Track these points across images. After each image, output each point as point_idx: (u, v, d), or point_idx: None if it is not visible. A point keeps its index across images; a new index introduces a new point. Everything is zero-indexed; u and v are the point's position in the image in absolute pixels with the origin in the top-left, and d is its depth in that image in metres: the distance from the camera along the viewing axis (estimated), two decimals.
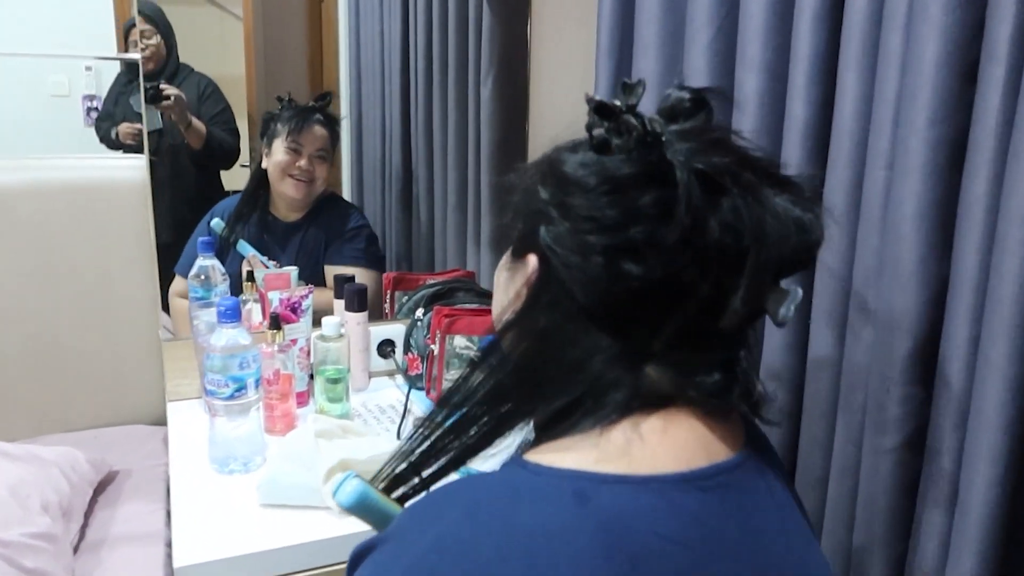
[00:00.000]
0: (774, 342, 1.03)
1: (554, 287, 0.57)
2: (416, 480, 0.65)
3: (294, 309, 1.41)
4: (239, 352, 1.17)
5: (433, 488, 0.59)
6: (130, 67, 1.62)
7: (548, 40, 1.70)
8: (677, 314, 0.53)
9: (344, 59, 1.85)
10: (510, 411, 0.60)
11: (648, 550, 0.49)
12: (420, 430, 0.65)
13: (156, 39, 1.59)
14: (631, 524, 0.49)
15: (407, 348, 1.57)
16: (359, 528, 1.06)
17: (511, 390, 0.60)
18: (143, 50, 1.58)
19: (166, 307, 1.63)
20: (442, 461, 0.64)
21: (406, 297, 1.66)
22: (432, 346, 1.47)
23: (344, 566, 0.78)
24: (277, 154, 1.62)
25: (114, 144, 1.75)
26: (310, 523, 1.08)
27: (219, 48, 1.68)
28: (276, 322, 1.31)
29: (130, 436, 1.67)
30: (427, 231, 1.99)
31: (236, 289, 1.59)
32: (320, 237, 1.71)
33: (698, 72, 1.08)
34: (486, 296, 1.64)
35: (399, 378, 1.60)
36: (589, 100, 0.57)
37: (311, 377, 1.43)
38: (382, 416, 1.43)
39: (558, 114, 1.67)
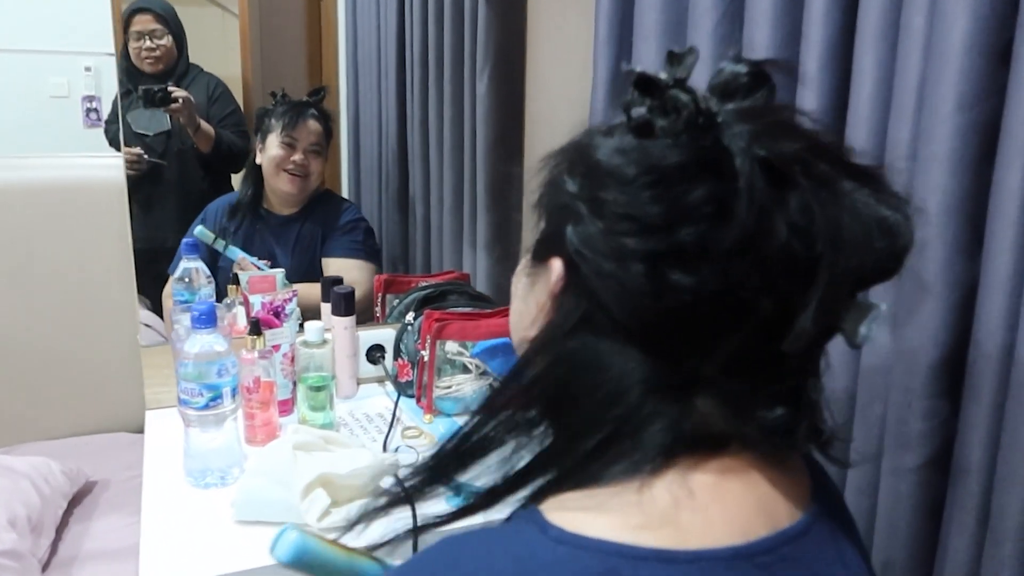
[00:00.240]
0: None
1: (583, 298, 0.47)
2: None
3: (277, 313, 1.35)
4: (215, 359, 1.10)
5: (424, 550, 0.48)
6: (130, 75, 1.55)
7: (546, 33, 1.64)
8: (734, 335, 0.44)
9: (343, 56, 1.81)
10: (534, 454, 0.50)
11: None
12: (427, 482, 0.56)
13: (167, 39, 1.55)
14: None
15: (397, 354, 1.50)
16: None
17: (533, 426, 0.51)
18: (153, 50, 1.54)
19: (160, 310, 1.58)
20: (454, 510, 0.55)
21: (397, 300, 1.59)
22: (423, 352, 1.40)
23: None
24: (271, 149, 1.59)
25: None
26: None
27: (221, 48, 1.64)
28: (256, 327, 1.24)
29: (111, 445, 1.60)
30: (423, 232, 1.94)
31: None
32: (316, 232, 1.67)
33: (702, 61, 1.01)
34: (479, 299, 1.58)
35: (389, 385, 1.53)
36: (628, 72, 0.47)
37: (295, 385, 1.37)
38: (369, 425, 1.36)
39: (556, 110, 1.61)
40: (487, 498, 0.53)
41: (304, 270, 1.64)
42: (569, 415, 0.48)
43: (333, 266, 1.66)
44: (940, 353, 0.76)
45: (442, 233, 1.87)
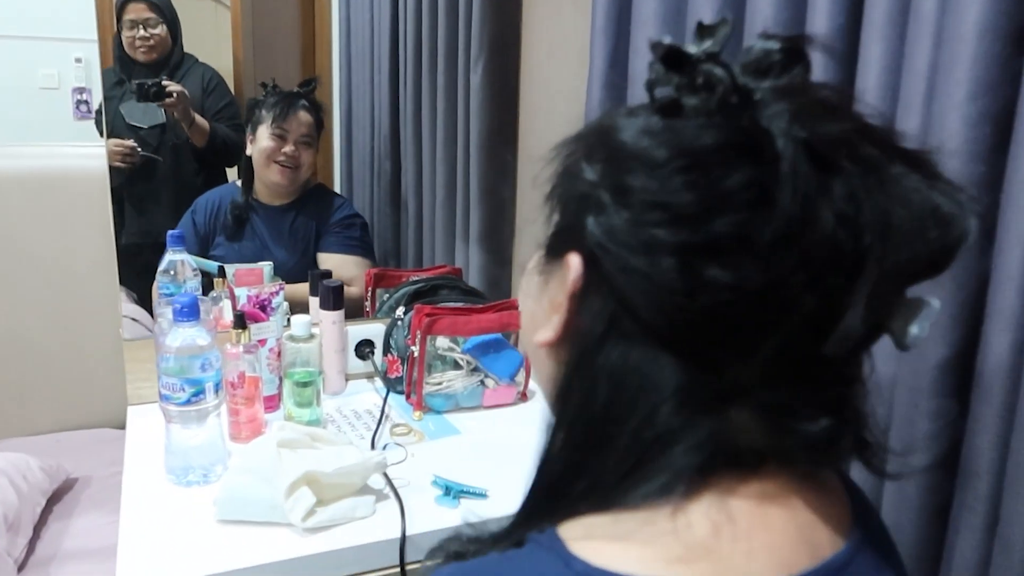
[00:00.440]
0: None
1: (606, 298, 0.43)
2: None
3: (263, 307, 1.31)
4: (197, 354, 1.06)
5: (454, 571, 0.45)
6: (123, 64, 1.51)
7: (541, 24, 1.61)
8: (776, 337, 0.40)
9: (336, 47, 1.78)
10: (589, 485, 0.45)
11: None
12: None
13: (161, 28, 1.53)
14: None
15: (387, 349, 1.47)
16: (325, 547, 0.98)
17: (556, 442, 0.47)
18: (147, 39, 1.51)
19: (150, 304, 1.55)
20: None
21: (387, 295, 1.56)
22: (413, 347, 1.37)
23: None
24: (262, 140, 1.57)
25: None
26: (271, 541, 0.99)
27: (214, 39, 1.61)
28: (242, 321, 1.21)
29: (93, 441, 1.57)
30: (415, 226, 1.91)
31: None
32: (311, 226, 1.66)
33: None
34: (471, 294, 1.55)
35: (378, 381, 1.49)
36: (655, 45, 0.42)
37: (282, 380, 1.33)
38: (357, 422, 1.32)
39: (551, 102, 1.58)
40: (513, 526, 0.49)
41: (296, 264, 1.62)
42: (603, 432, 0.44)
43: (330, 262, 1.64)
44: (949, 352, 0.73)
45: (434, 227, 1.84)
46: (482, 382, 1.39)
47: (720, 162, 0.40)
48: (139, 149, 1.50)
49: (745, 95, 0.40)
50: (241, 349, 1.20)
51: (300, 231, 1.64)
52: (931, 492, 0.77)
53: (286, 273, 1.54)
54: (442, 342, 1.37)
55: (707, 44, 0.42)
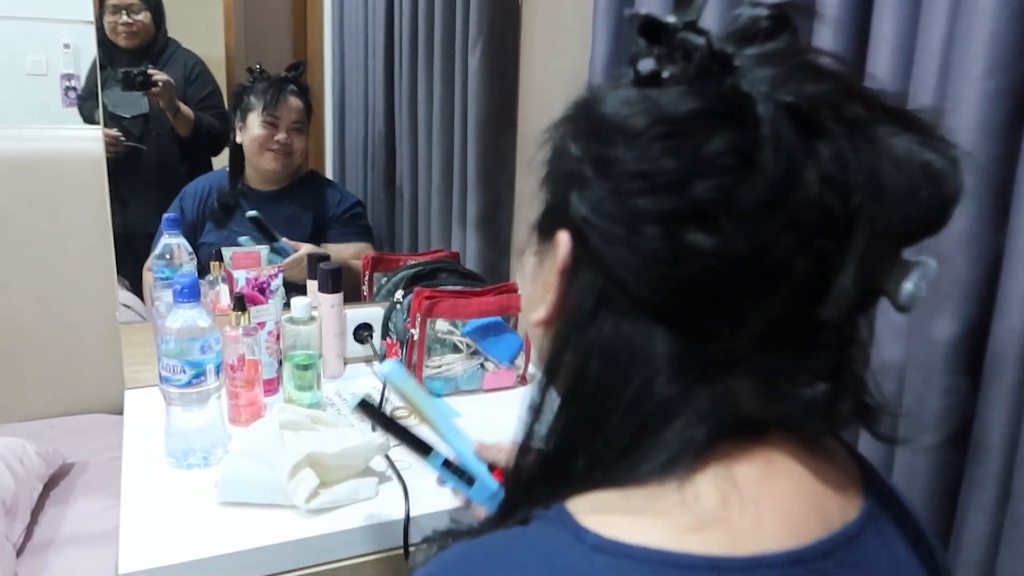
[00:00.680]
0: None
1: (595, 273, 0.43)
2: None
3: (262, 289, 1.30)
4: (198, 335, 1.05)
5: (441, 560, 0.44)
6: (105, 49, 1.49)
7: (541, 5, 1.59)
8: (766, 303, 0.40)
9: (328, 32, 1.76)
10: (590, 460, 0.45)
11: None
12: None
13: (144, 15, 1.50)
14: None
15: (385, 333, 1.46)
16: (328, 529, 0.97)
17: (558, 420, 0.47)
18: (129, 25, 1.48)
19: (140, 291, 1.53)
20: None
21: (385, 278, 1.55)
22: (412, 330, 1.36)
23: (310, 570, 0.67)
24: (254, 128, 1.56)
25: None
26: (273, 524, 0.98)
27: (204, 25, 1.59)
28: (241, 303, 1.20)
29: (88, 426, 1.55)
30: (411, 211, 1.90)
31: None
32: (308, 214, 1.65)
33: (707, 27, 0.97)
34: (470, 277, 1.54)
35: (376, 365, 1.48)
36: (632, 17, 0.42)
37: (281, 363, 1.32)
38: None
39: (552, 85, 1.56)
40: (514, 505, 0.49)
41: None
42: (598, 407, 0.44)
43: (345, 252, 1.64)
44: (961, 328, 0.73)
45: (430, 212, 1.82)
46: (482, 365, 1.39)
47: (700, 128, 0.40)
48: (122, 138, 1.48)
49: (724, 61, 0.40)
50: (241, 332, 1.18)
51: (296, 219, 1.63)
52: (942, 468, 0.77)
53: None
54: (441, 325, 1.36)
55: (685, 14, 0.42)
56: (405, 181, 1.89)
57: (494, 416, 1.31)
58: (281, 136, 1.56)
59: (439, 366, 1.37)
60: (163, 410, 1.24)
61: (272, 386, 1.31)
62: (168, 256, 1.41)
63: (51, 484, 1.34)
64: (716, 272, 0.40)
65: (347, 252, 1.64)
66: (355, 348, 1.49)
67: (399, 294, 1.44)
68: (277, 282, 1.32)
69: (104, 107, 1.47)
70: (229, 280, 1.43)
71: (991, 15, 0.66)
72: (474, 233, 1.68)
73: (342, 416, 1.26)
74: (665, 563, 0.38)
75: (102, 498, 1.33)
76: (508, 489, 0.53)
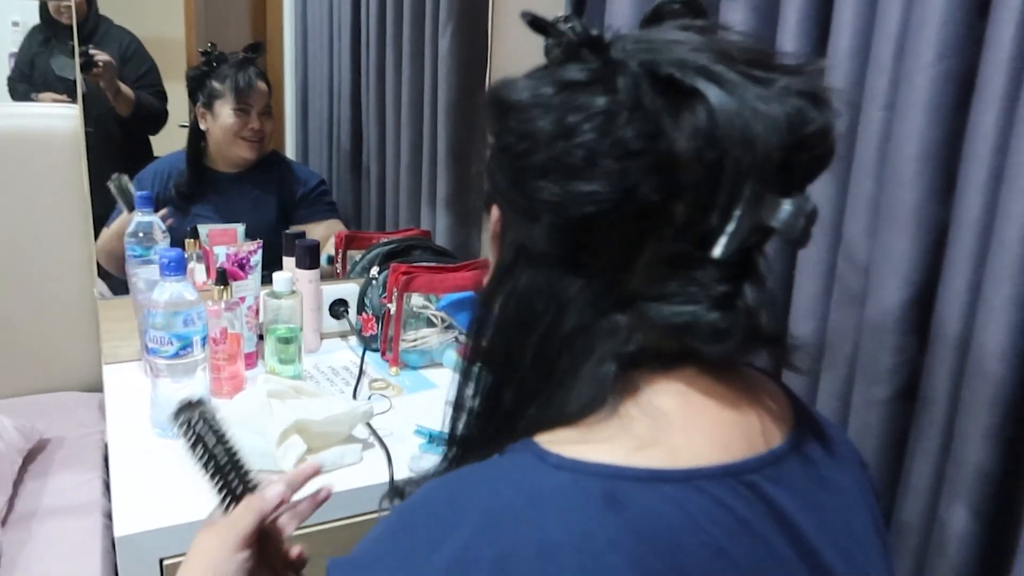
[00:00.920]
0: None
1: (512, 233, 0.50)
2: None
3: (242, 265, 1.32)
4: (184, 308, 1.08)
5: (424, 490, 0.49)
6: (48, 23, 1.47)
7: None
8: (653, 243, 0.45)
9: (288, 11, 1.75)
10: (516, 390, 0.52)
11: (696, 562, 0.42)
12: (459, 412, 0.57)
13: None
14: (675, 535, 0.42)
15: (361, 308, 1.49)
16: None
17: (508, 368, 0.52)
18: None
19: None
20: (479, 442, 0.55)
21: (359, 256, 1.58)
22: (388, 305, 1.40)
23: (298, 532, 0.72)
24: (225, 118, 1.53)
25: None
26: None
27: (161, 6, 1.56)
28: (223, 277, 1.22)
29: (60, 404, 1.55)
30: (378, 190, 1.91)
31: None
32: (270, 200, 1.63)
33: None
34: (443, 254, 1.58)
35: (352, 339, 1.52)
36: (523, 15, 0.50)
37: (260, 338, 1.35)
38: (335, 378, 1.35)
39: (521, 68, 1.59)
40: (469, 447, 0.55)
41: (255, 230, 1.58)
42: (518, 347, 0.50)
43: (315, 231, 1.63)
44: (911, 292, 0.81)
45: (398, 191, 1.85)
46: (456, 339, 1.43)
47: (573, 94, 0.46)
48: (71, 102, 1.47)
49: (594, 40, 0.47)
50: (223, 306, 1.21)
51: (261, 201, 1.62)
52: (892, 419, 0.85)
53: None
54: (417, 300, 1.40)
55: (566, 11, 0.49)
56: (372, 161, 1.91)
57: None
58: (254, 124, 1.54)
59: (415, 340, 1.41)
60: (143, 384, 1.27)
61: (252, 360, 1.34)
62: (142, 234, 1.41)
63: (29, 459, 1.34)
64: (598, 217, 0.45)
65: (318, 230, 1.66)
66: (330, 323, 1.52)
67: (374, 270, 1.47)
68: (256, 258, 1.35)
69: (52, 71, 1.46)
70: (206, 257, 1.45)
71: (942, 4, 0.73)
72: (444, 212, 1.72)
73: (322, 388, 1.30)
74: (616, 476, 0.43)
75: (80, 471, 1.34)
76: (448, 441, 0.58)
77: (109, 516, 1.22)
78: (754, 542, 0.44)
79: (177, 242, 1.47)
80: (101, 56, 1.46)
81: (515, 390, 0.51)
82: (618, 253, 0.46)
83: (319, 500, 0.74)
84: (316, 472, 0.74)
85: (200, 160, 1.56)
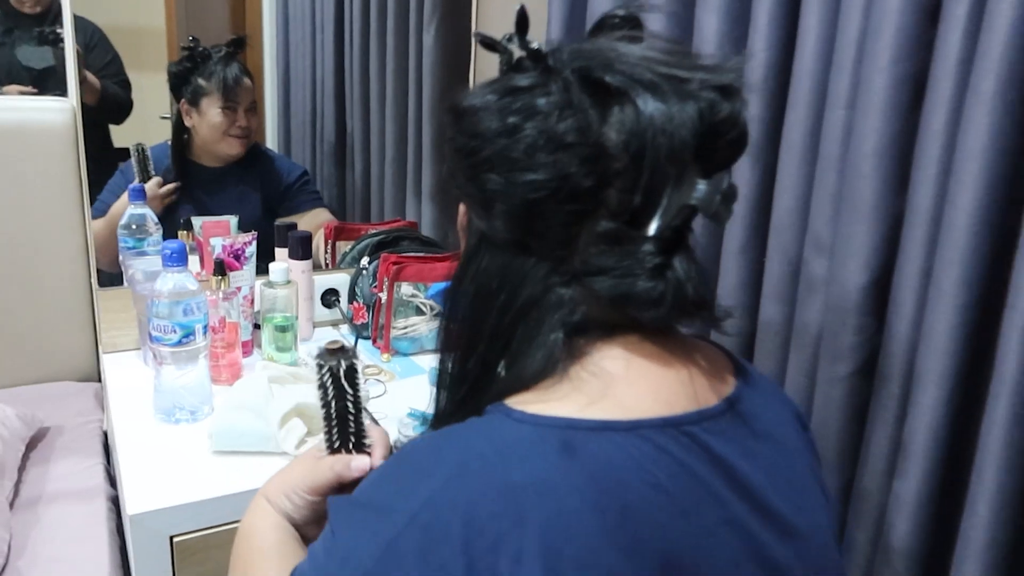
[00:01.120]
0: (728, 281, 1.07)
1: (474, 223, 0.58)
2: None
3: (237, 256, 1.37)
4: (186, 297, 1.12)
5: (410, 444, 0.57)
6: (10, 14, 1.48)
7: None
8: (590, 224, 0.52)
9: (268, 4, 1.76)
10: (479, 359, 0.59)
11: (639, 497, 0.49)
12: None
13: None
14: (620, 475, 0.49)
15: (352, 297, 1.54)
16: None
17: (472, 339, 0.60)
18: None
19: None
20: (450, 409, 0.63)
21: (348, 246, 1.63)
22: (379, 294, 1.45)
23: None
24: (212, 116, 1.54)
25: None
26: (265, 469, 1.06)
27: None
28: (221, 268, 1.27)
29: (57, 393, 1.58)
30: (363, 183, 1.94)
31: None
32: (255, 196, 1.65)
33: (656, 12, 1.09)
34: (431, 244, 1.63)
35: (343, 328, 1.57)
36: (475, 34, 0.59)
37: (255, 326, 1.40)
38: None
39: None
40: (448, 415, 0.62)
41: (240, 227, 1.61)
42: (481, 320, 0.58)
43: (304, 222, 1.66)
44: (871, 276, 0.88)
45: (383, 183, 1.89)
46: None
47: (514, 99, 0.53)
48: (38, 92, 1.48)
49: (534, 53, 0.54)
50: (221, 295, 1.26)
51: (246, 195, 1.63)
52: (853, 394, 0.92)
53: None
54: (406, 289, 1.46)
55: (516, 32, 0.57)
56: (357, 154, 1.94)
57: None
58: (242, 121, 1.56)
59: (405, 327, 1.47)
60: (143, 372, 1.31)
61: (248, 348, 1.39)
62: (135, 226, 1.45)
63: (30, 446, 1.38)
64: (541, 203, 0.52)
65: (305, 220, 1.68)
66: (322, 312, 1.57)
67: (365, 260, 1.52)
68: (251, 249, 1.39)
69: (17, 61, 1.48)
70: (200, 248, 1.49)
71: (897, 12, 0.80)
72: (429, 203, 1.76)
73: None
74: (570, 427, 0.50)
75: (81, 458, 1.38)
76: (435, 408, 0.66)
77: (113, 500, 1.26)
78: (691, 481, 0.51)
79: (165, 235, 1.50)
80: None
81: (481, 360, 0.59)
82: (561, 234, 0.53)
83: None
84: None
85: (182, 154, 1.56)
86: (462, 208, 0.61)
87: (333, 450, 0.73)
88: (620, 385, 0.53)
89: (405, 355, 1.47)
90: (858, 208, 0.87)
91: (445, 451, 0.52)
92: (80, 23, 1.46)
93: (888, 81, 0.81)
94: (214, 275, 1.26)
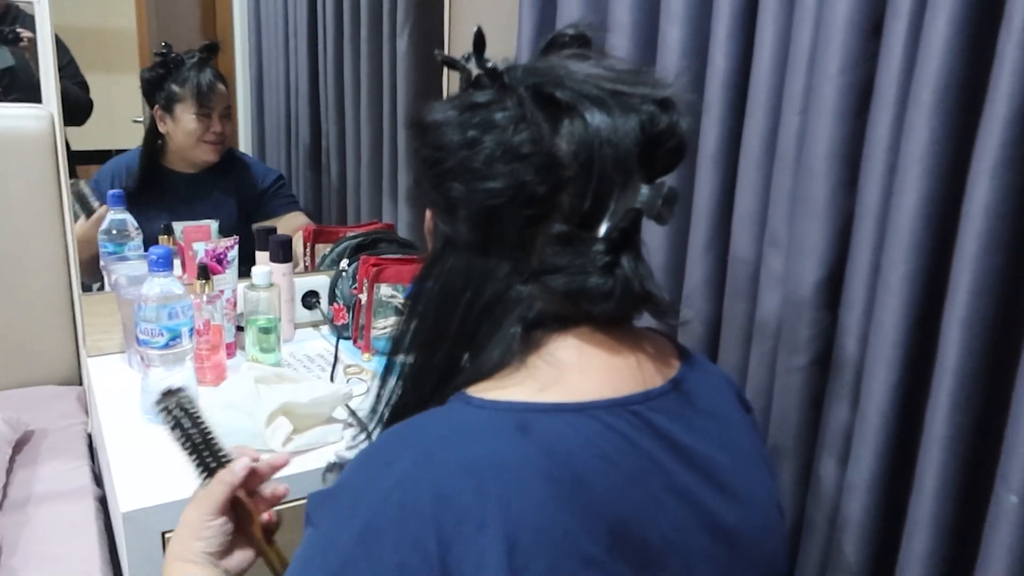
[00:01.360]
0: (693, 278, 1.12)
1: (440, 228, 0.62)
2: None
3: (219, 260, 1.40)
4: (173, 301, 1.15)
5: (380, 436, 0.62)
6: None
7: None
8: (545, 227, 0.57)
9: (238, 9, 1.75)
10: (446, 353, 0.63)
11: (589, 469, 0.53)
12: (385, 385, 0.70)
13: None
14: (571, 449, 0.54)
15: (332, 299, 1.58)
16: (301, 469, 1.10)
17: (438, 335, 0.64)
18: None
19: None
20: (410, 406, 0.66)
21: (327, 249, 1.67)
22: (359, 295, 1.49)
23: (287, 505, 0.81)
24: (187, 123, 1.55)
25: None
26: None
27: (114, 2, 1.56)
28: (205, 272, 1.30)
29: (40, 397, 1.60)
30: (339, 186, 1.95)
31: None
32: (230, 202, 1.66)
33: (621, 23, 1.14)
34: (408, 246, 1.67)
35: (324, 329, 1.61)
36: (436, 53, 0.65)
37: (239, 329, 1.43)
38: (312, 365, 1.44)
39: None
40: (413, 406, 0.66)
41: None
42: (455, 320, 0.62)
43: (280, 225, 1.68)
44: (825, 272, 0.94)
45: (359, 186, 1.91)
46: None
47: (473, 114, 0.57)
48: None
49: (491, 72, 0.58)
50: (205, 299, 1.29)
51: (221, 201, 1.64)
52: (810, 384, 0.98)
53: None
54: (386, 290, 1.50)
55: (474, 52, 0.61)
56: (332, 157, 1.95)
57: None
58: (216, 127, 1.57)
59: (384, 327, 1.51)
60: (127, 375, 1.34)
61: (231, 349, 1.42)
62: (115, 231, 1.47)
63: (16, 449, 1.40)
64: (499, 209, 0.56)
65: (282, 223, 1.69)
66: (302, 314, 1.60)
67: (344, 263, 1.56)
68: (233, 253, 1.42)
69: None
70: (181, 253, 1.52)
71: (844, 26, 0.86)
72: (405, 206, 1.80)
73: (300, 374, 1.38)
74: (525, 409, 0.55)
75: (67, 460, 1.40)
76: (388, 401, 0.70)
77: (100, 500, 1.29)
78: (638, 454, 0.56)
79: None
80: (26, 33, 1.46)
81: (447, 354, 0.63)
82: (519, 237, 0.58)
83: (278, 495, 0.80)
84: (285, 463, 0.83)
85: (156, 160, 1.56)
86: (428, 213, 0.65)
87: (209, 473, 0.76)
88: (572, 372, 0.58)
89: (385, 354, 1.50)
90: (812, 207, 0.92)
91: (410, 438, 0.57)
92: (31, 23, 1.45)
93: (837, 89, 0.87)
94: (198, 279, 1.29)
